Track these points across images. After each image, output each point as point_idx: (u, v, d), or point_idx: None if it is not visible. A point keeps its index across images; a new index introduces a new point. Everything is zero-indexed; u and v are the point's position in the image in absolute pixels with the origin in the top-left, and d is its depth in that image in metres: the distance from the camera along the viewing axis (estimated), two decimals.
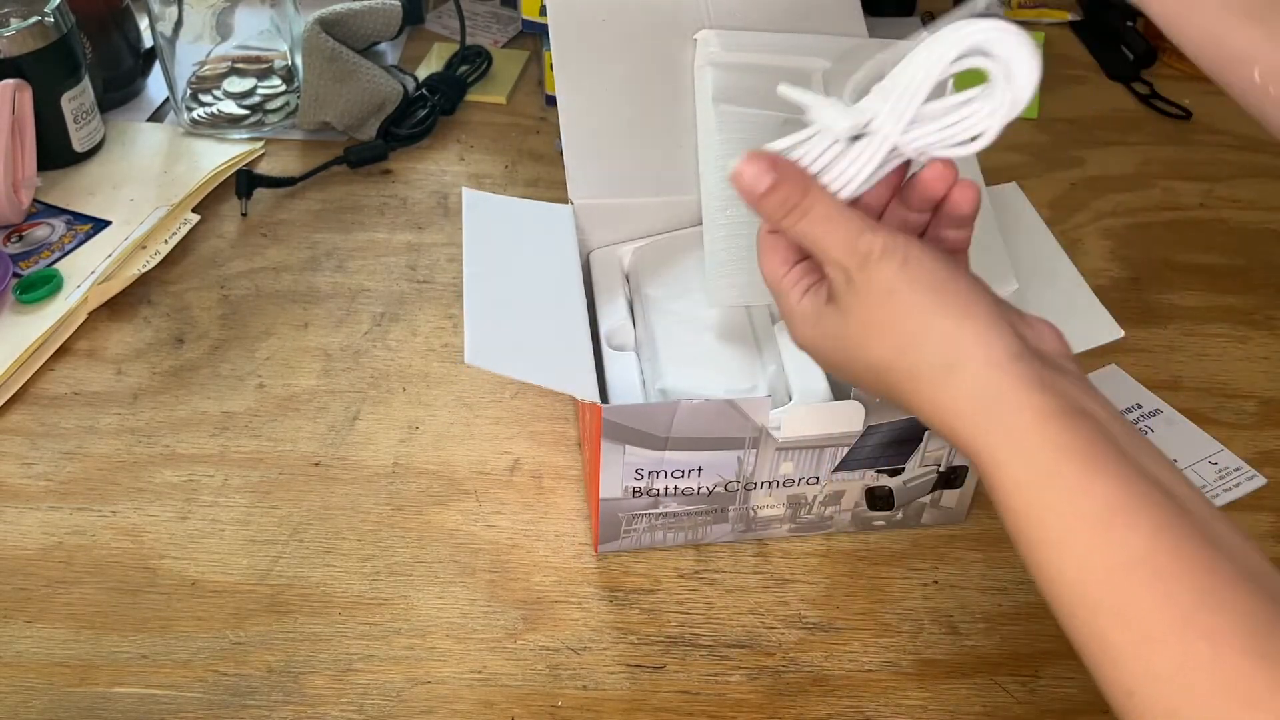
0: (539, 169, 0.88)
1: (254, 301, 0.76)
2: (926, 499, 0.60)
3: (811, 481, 0.57)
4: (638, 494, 0.56)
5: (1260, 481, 0.65)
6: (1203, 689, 0.33)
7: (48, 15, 0.80)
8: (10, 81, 0.77)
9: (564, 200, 0.61)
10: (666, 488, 0.56)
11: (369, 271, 0.78)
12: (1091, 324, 0.57)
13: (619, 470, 0.54)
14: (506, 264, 0.56)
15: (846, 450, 0.56)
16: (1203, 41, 0.53)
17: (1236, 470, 0.65)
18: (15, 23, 0.79)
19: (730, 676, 0.55)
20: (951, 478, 0.59)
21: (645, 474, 0.55)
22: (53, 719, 0.52)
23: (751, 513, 0.59)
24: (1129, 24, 1.07)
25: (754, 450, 0.55)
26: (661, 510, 0.57)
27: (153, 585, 0.58)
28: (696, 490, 0.56)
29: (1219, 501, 0.64)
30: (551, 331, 0.53)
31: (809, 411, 0.53)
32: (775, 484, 0.57)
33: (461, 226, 0.57)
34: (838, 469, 0.57)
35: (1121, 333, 0.56)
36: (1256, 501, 0.64)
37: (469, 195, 0.59)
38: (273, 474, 0.64)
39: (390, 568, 0.59)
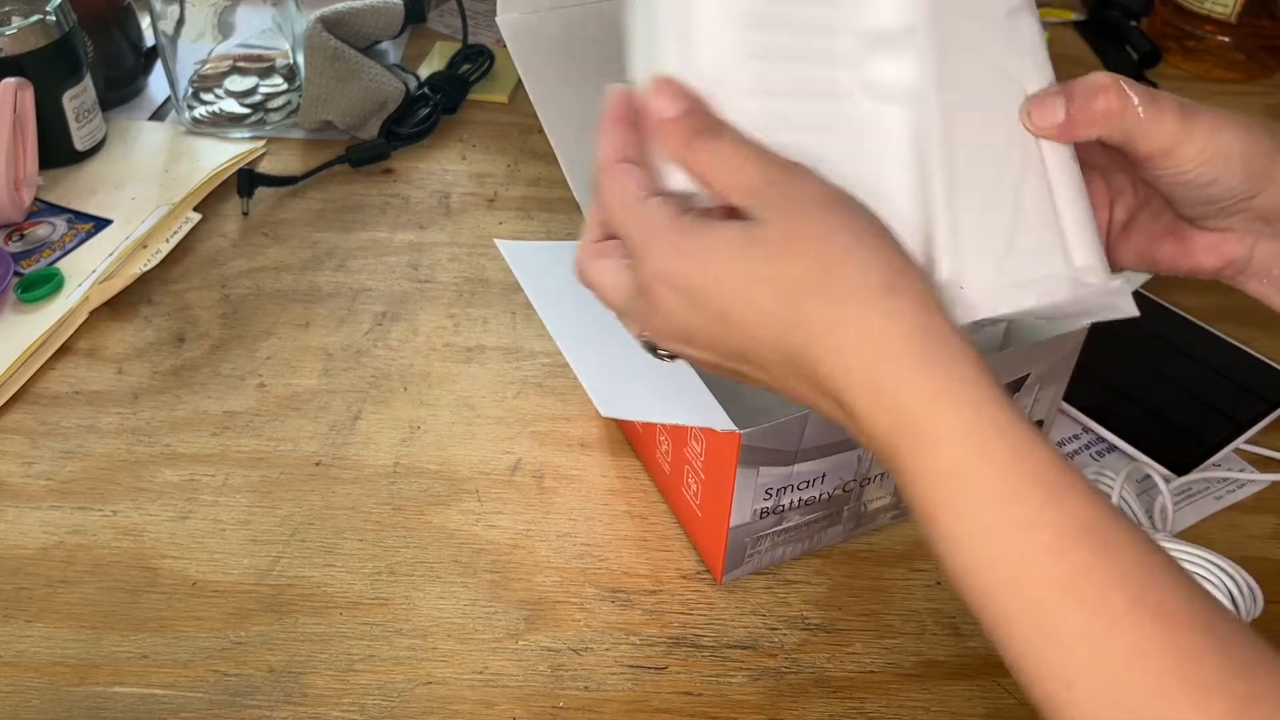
0: (541, 168, 0.88)
1: (255, 301, 0.76)
2: None
3: None
4: (765, 514, 0.55)
5: (1262, 483, 0.64)
6: (1154, 672, 0.30)
7: (49, 14, 0.80)
8: (12, 80, 0.77)
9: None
10: (792, 501, 0.56)
11: (370, 271, 0.78)
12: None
13: (750, 494, 0.54)
14: (579, 312, 0.54)
15: None
16: None
17: (1240, 471, 0.65)
18: (17, 21, 0.79)
19: (732, 678, 0.55)
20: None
21: (774, 492, 0.54)
22: (53, 719, 0.52)
23: (862, 508, 0.59)
24: (1133, 23, 1.07)
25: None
26: (784, 526, 0.57)
27: (153, 585, 0.58)
28: (818, 498, 0.56)
29: (1221, 504, 0.64)
30: (653, 369, 0.52)
31: None
32: (887, 474, 0.57)
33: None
34: None
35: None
36: (1257, 503, 0.64)
37: (506, 247, 0.57)
38: (274, 474, 0.64)
39: (391, 568, 0.59)
